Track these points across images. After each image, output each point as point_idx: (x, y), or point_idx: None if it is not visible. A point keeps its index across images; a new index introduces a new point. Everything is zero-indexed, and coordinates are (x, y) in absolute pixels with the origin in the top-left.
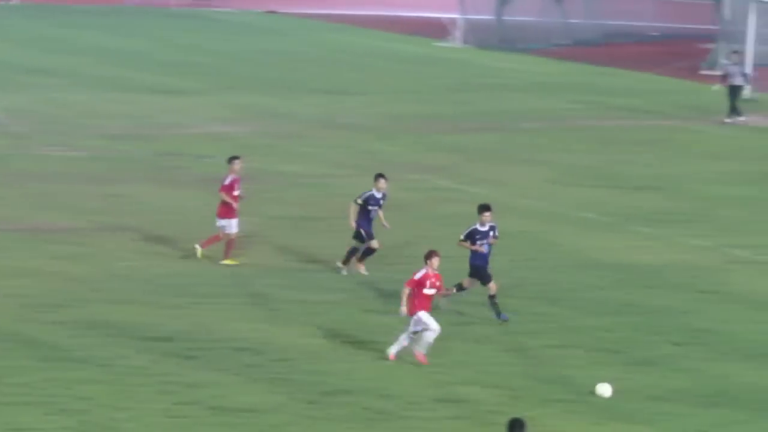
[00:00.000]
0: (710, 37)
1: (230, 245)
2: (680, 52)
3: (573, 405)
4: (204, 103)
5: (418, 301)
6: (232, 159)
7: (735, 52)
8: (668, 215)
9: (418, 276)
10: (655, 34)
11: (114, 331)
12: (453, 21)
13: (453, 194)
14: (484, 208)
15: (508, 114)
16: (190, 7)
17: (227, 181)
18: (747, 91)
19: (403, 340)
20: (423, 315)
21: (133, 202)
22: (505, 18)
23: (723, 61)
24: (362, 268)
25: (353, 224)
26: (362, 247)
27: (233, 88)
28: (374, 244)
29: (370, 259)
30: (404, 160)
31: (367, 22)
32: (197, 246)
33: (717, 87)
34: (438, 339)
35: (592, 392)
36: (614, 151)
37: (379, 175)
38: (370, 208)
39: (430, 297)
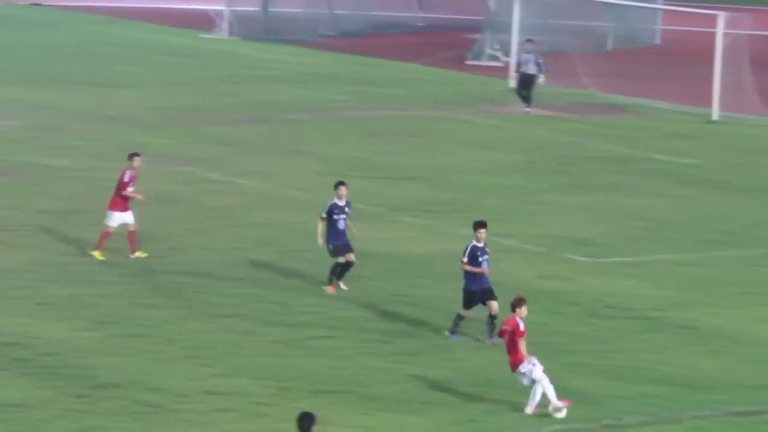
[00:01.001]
0: (476, 28)
1: (133, 237)
2: (446, 43)
3: (342, 396)
4: None
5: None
6: (132, 155)
7: (529, 40)
8: (435, 205)
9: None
10: (421, 24)
11: None
12: (219, 13)
13: (221, 186)
14: (480, 225)
15: (275, 105)
16: None
17: (126, 178)
18: (541, 80)
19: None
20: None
21: None
22: (272, 9)
23: (488, 51)
24: (341, 285)
25: (320, 242)
26: (341, 261)
27: None
28: (351, 257)
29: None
30: (172, 152)
31: (134, 15)
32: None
33: (512, 75)
34: (204, 332)
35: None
36: (381, 142)
37: (339, 183)
38: (335, 217)
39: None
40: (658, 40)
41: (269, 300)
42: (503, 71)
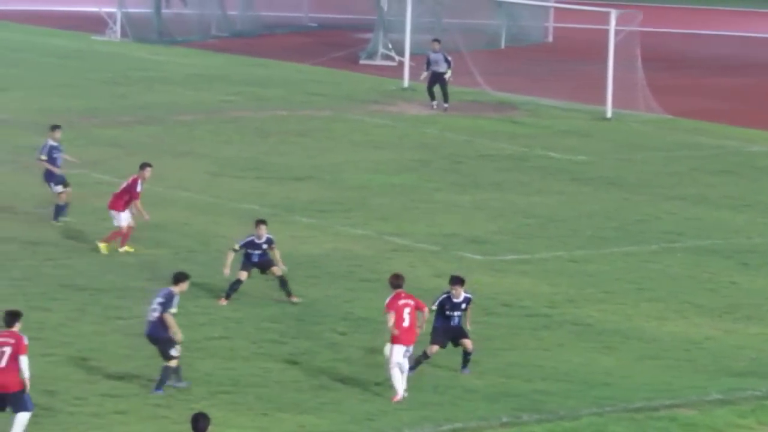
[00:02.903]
0: (368, 28)
1: (128, 234)
2: (338, 43)
3: (239, 396)
4: None
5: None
6: (144, 165)
7: (435, 40)
8: (328, 205)
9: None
10: (312, 24)
11: None
12: (111, 15)
13: (113, 188)
14: (456, 281)
15: (166, 107)
16: None
17: (138, 188)
18: (448, 75)
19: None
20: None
21: None
22: (164, 11)
23: (382, 50)
24: (222, 301)
25: (226, 272)
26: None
27: None
28: (242, 275)
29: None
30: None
31: (21, 17)
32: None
33: (423, 75)
34: (100, 334)
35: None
36: (273, 142)
37: (260, 221)
38: (250, 252)
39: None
40: (550, 38)
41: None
42: (396, 71)
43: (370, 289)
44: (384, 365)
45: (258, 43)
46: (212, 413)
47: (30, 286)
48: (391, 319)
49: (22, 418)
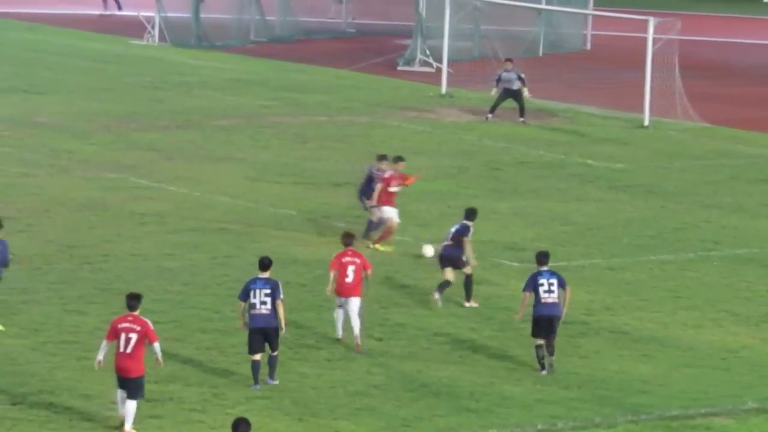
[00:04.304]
0: (406, 34)
1: (389, 232)
2: (377, 49)
3: (275, 402)
4: None
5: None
6: (397, 159)
7: (508, 59)
8: (366, 211)
9: None
10: (351, 30)
11: None
12: (149, 19)
13: (151, 192)
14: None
15: (204, 111)
16: None
17: (387, 175)
18: (526, 93)
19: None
20: None
21: None
22: (203, 16)
23: (420, 56)
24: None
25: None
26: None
27: None
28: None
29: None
30: (101, 158)
31: (61, 21)
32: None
33: (493, 92)
34: None
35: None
36: (311, 148)
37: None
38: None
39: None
40: (588, 45)
41: (202, 306)
42: (434, 77)
43: (407, 294)
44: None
45: (297, 48)
46: (248, 418)
47: (67, 290)
48: (330, 277)
49: (132, 406)
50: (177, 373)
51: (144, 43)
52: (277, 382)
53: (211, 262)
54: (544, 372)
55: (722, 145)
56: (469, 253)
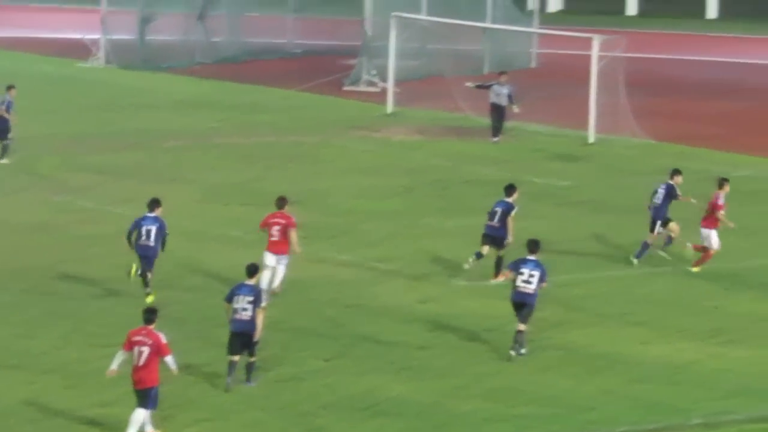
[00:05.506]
0: (353, 53)
1: (707, 256)
2: (324, 68)
3: (220, 424)
4: None
5: None
6: (722, 181)
7: (503, 72)
8: (314, 231)
9: None
10: (298, 51)
11: None
12: (95, 41)
13: (97, 215)
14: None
15: (152, 133)
16: None
17: (720, 201)
18: (515, 109)
19: None
20: None
21: None
22: (148, 38)
23: (365, 76)
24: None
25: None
26: None
27: None
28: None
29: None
30: (49, 181)
31: (7, 44)
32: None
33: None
34: (84, 361)
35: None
36: (259, 168)
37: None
38: None
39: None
40: (534, 63)
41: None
42: (379, 96)
43: (356, 314)
44: None
45: (244, 69)
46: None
47: (14, 314)
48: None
49: (140, 415)
50: (125, 396)
51: (89, 65)
52: (254, 384)
53: (159, 284)
54: (512, 353)
55: (668, 162)
56: (511, 230)
